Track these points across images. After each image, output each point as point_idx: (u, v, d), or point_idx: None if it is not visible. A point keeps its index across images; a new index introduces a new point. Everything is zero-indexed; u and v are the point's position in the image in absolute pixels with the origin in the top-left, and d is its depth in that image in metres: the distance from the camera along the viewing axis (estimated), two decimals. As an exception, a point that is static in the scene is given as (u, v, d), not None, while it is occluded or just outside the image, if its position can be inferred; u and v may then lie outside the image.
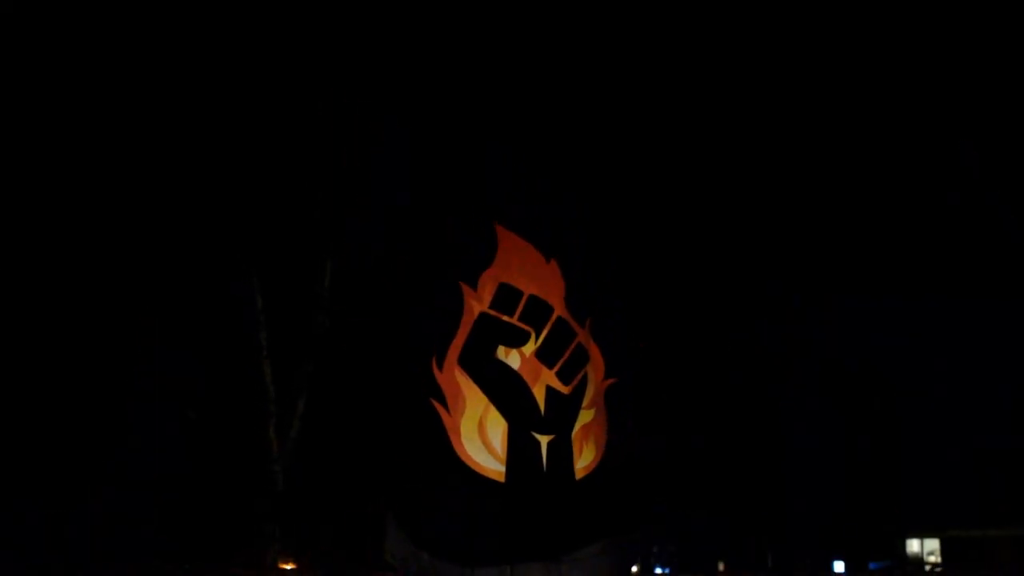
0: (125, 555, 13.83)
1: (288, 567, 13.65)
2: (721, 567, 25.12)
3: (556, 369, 2.04)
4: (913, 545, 24.47)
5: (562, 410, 2.03)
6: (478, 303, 2.03)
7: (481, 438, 2.04)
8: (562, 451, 2.03)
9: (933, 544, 24.34)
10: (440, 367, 2.03)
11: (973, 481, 22.17)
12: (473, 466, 2.03)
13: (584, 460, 2.03)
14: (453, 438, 2.02)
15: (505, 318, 2.04)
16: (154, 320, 14.09)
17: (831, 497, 21.64)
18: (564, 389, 2.05)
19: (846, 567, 23.28)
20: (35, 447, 14.38)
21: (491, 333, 2.03)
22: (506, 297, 2.02)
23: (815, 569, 21.30)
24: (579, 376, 2.04)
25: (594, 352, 2.06)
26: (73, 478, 14.63)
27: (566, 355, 2.04)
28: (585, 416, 2.05)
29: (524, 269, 2.02)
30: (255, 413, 14.29)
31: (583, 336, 2.04)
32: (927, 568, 22.25)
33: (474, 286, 2.02)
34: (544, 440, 2.04)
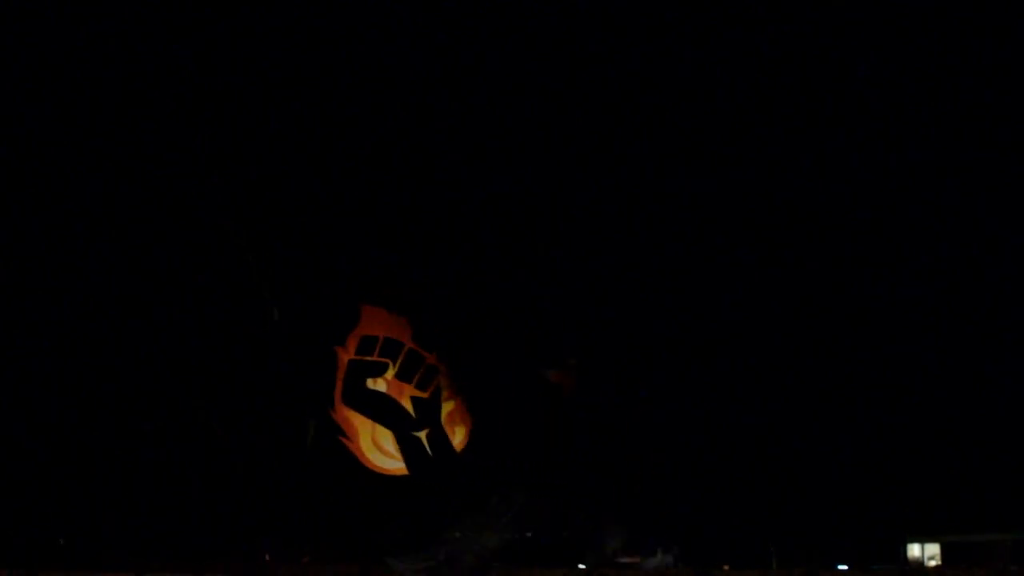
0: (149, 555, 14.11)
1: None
2: (725, 568, 25.33)
3: (415, 383, 3.10)
4: (914, 550, 24.66)
5: (427, 409, 3.16)
6: (346, 354, 3.09)
7: (378, 449, 3.13)
8: (438, 436, 3.06)
9: (934, 549, 24.53)
10: (333, 409, 3.10)
11: (973, 485, 22.38)
12: (380, 471, 3.02)
13: (458, 436, 3.30)
14: (359, 456, 3.08)
15: (367, 358, 3.12)
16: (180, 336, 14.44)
17: (833, 501, 21.88)
18: (424, 395, 3.15)
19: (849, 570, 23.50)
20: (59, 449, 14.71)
21: (359, 372, 3.24)
22: (366, 344, 3.24)
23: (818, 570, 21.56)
24: (434, 384, 3.09)
25: (443, 367, 2.97)
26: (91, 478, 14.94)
27: (420, 372, 3.10)
28: (448, 407, 3.08)
29: (381, 324, 3.29)
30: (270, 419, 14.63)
31: (432, 359, 3.02)
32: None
33: (343, 344, 3.05)
34: (423, 434, 2.99)
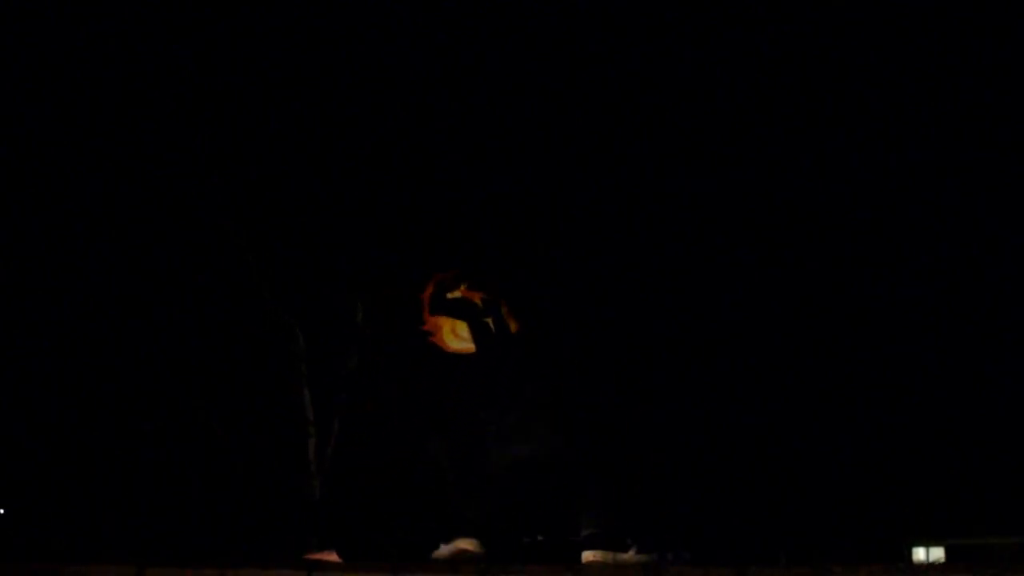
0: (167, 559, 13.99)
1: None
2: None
3: (479, 296, 4.26)
4: (919, 553, 24.64)
5: (492, 304, 4.22)
6: (425, 295, 4.31)
7: (454, 335, 4.23)
8: (500, 321, 4.21)
9: (938, 552, 24.51)
10: (424, 322, 4.27)
11: (979, 489, 22.32)
12: (454, 350, 4.21)
13: (512, 325, 4.25)
14: (441, 344, 4.22)
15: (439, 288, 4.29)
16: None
17: (838, 504, 21.82)
18: (490, 297, 4.21)
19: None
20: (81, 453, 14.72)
21: (440, 288, 4.28)
22: (439, 284, 4.29)
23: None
24: (496, 290, 4.23)
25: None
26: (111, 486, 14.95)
27: (486, 284, 4.29)
28: (504, 309, 4.22)
29: (447, 283, 4.31)
30: (296, 433, 14.74)
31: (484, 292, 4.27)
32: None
33: (423, 292, 4.32)
34: (488, 320, 4.23)
